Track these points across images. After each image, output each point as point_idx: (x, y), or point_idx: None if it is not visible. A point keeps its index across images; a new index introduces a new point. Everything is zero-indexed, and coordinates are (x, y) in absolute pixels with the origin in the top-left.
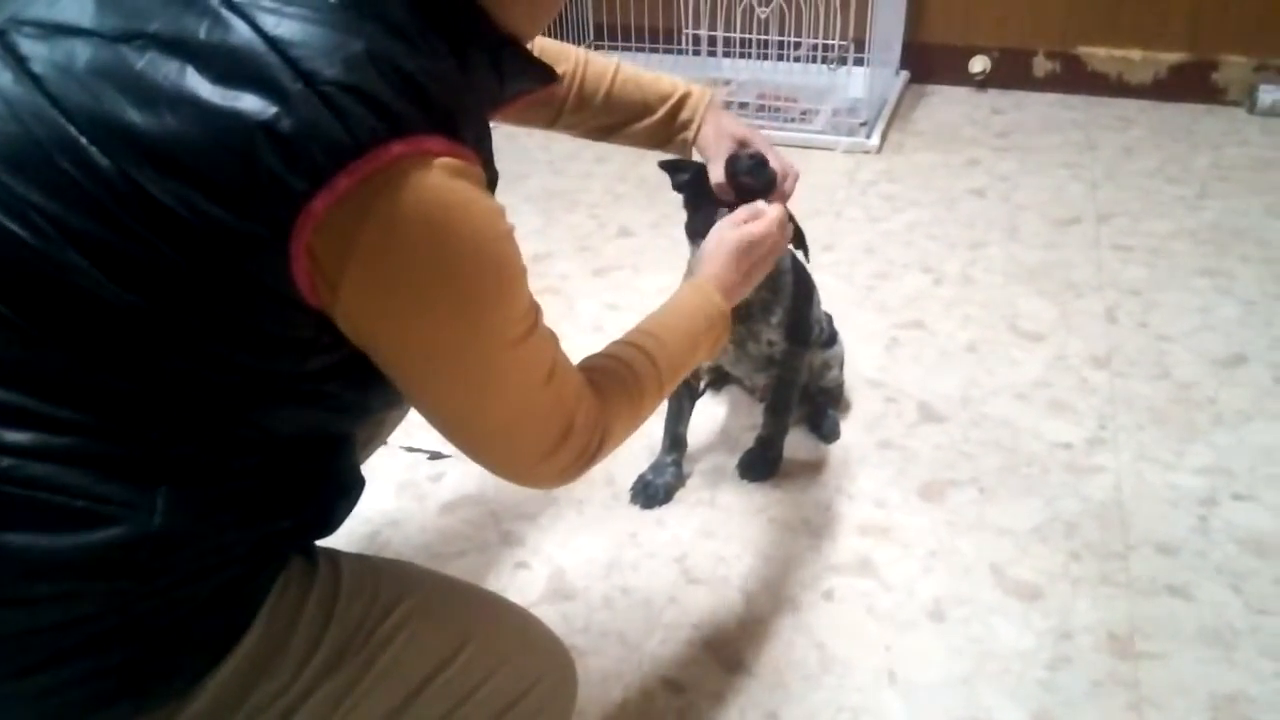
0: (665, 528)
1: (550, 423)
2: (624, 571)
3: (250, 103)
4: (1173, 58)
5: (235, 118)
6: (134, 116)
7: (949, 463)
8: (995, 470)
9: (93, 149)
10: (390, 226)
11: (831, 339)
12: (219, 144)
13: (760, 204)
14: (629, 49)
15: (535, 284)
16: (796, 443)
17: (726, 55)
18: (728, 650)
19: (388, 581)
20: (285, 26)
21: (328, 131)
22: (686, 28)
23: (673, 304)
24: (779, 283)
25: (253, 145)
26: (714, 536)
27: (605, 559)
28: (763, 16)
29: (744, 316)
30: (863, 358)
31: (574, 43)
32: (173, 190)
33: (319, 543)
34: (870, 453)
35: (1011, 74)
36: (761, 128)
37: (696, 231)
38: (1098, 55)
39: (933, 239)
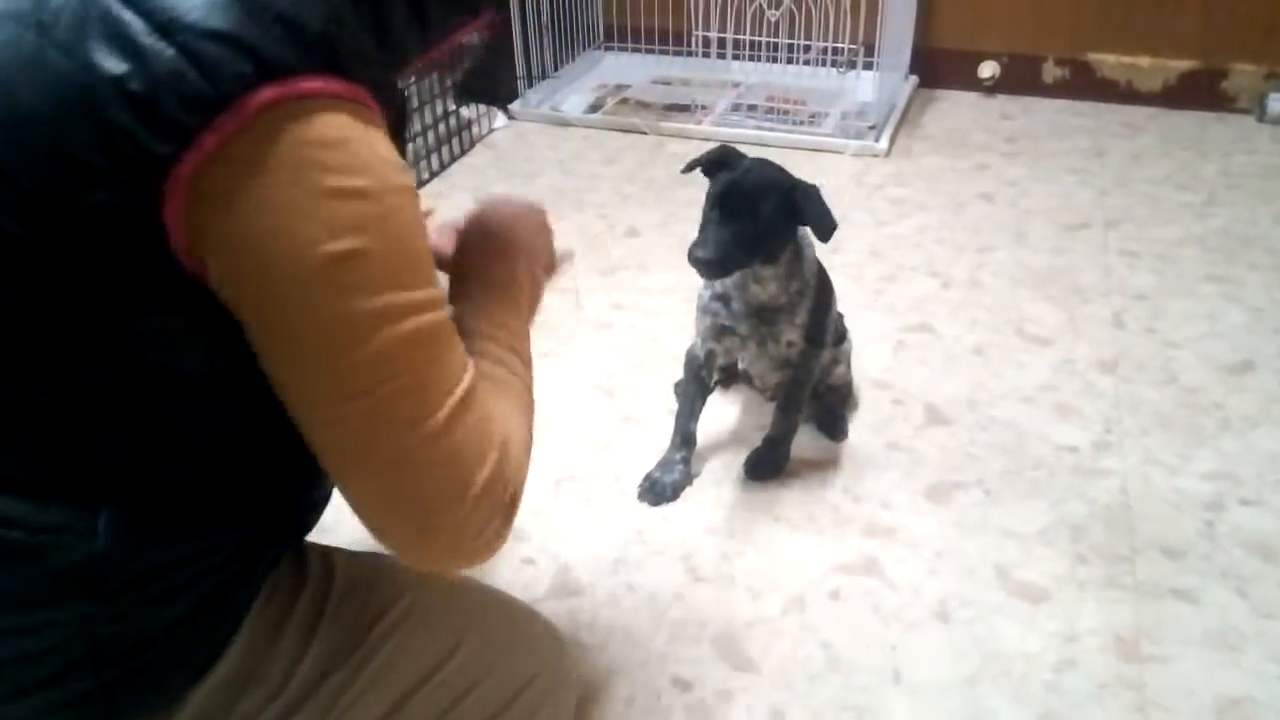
0: (672, 525)
1: (453, 461)
2: (630, 568)
3: (102, 63)
4: (1183, 65)
5: (87, 82)
6: None
7: (955, 465)
8: (1001, 473)
9: None
10: (267, 182)
11: (841, 336)
12: (74, 113)
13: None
14: (638, 50)
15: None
16: (804, 442)
17: (736, 58)
18: (734, 648)
19: (382, 583)
20: None
21: (189, 85)
22: (696, 30)
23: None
24: (807, 283)
25: (108, 109)
26: (720, 534)
27: (612, 555)
28: (773, 19)
29: (768, 318)
30: (870, 359)
31: (584, 46)
32: (35, 172)
33: (317, 540)
34: (877, 454)
35: (1021, 79)
36: (770, 130)
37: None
38: (1107, 62)
39: (940, 243)
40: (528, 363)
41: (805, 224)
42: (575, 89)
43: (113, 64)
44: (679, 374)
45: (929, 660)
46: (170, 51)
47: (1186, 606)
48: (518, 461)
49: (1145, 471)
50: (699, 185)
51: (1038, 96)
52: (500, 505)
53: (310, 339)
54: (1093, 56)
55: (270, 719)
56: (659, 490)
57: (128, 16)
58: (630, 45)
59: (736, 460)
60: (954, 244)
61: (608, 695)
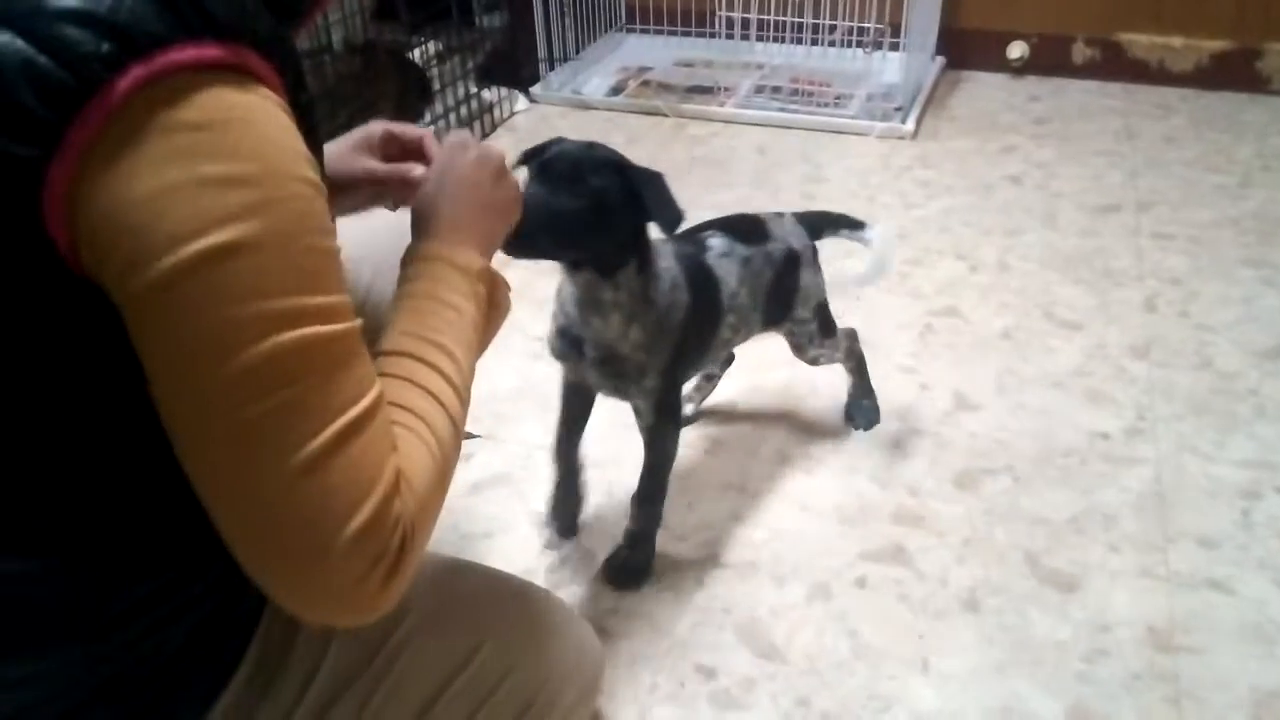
0: (695, 512)
1: (333, 493)
2: None
3: None
4: (1215, 45)
5: None
6: None
7: (984, 451)
8: (1031, 459)
9: None
10: (137, 173)
11: (829, 327)
12: None
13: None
14: (661, 32)
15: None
16: (827, 429)
17: (760, 39)
18: (759, 635)
19: None
20: None
21: (44, 75)
22: (720, 10)
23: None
24: (660, 326)
25: None
26: (743, 521)
27: None
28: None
29: (613, 369)
30: (896, 345)
31: (605, 28)
32: None
33: None
34: (903, 440)
35: (1050, 60)
36: (794, 113)
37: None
38: (1139, 42)
39: (968, 225)
40: (458, 374)
41: (645, 210)
42: (597, 71)
43: None
44: None
45: (957, 649)
46: (18, 43)
47: (1222, 597)
48: (418, 502)
49: (1179, 459)
50: (719, 167)
51: (1067, 78)
52: (384, 553)
53: (176, 348)
54: (1123, 36)
55: None
56: (553, 529)
57: None
58: (652, 27)
59: (759, 447)
60: (982, 227)
61: (631, 682)
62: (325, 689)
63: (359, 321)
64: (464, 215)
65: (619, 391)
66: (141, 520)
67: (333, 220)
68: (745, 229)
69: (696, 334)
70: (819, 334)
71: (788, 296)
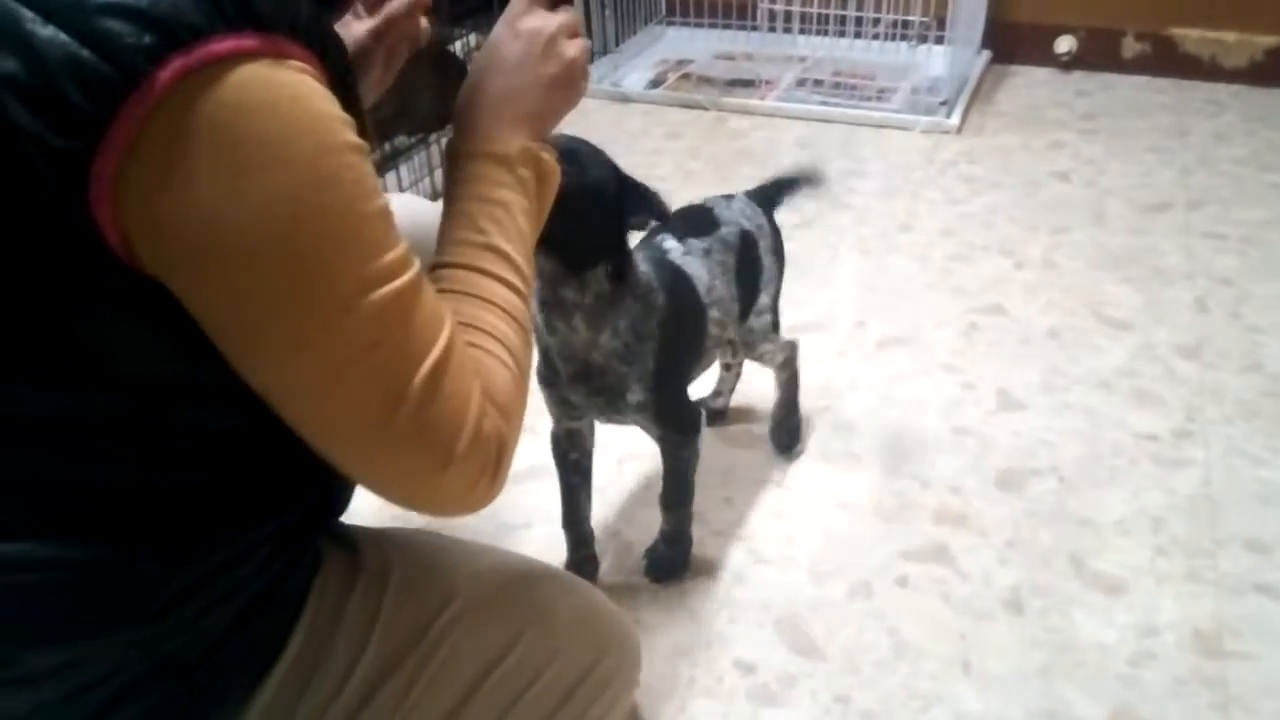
0: (733, 507)
1: (433, 430)
2: (692, 549)
3: None
4: (1270, 41)
5: None
6: None
7: (1029, 451)
8: (1077, 460)
9: None
10: (188, 163)
11: (778, 324)
12: None
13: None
14: (701, 25)
15: None
16: (868, 425)
17: (803, 32)
18: (798, 631)
19: (438, 576)
20: None
21: (87, 69)
22: (762, 2)
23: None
24: (638, 333)
25: (5, 113)
26: (783, 517)
27: None
28: None
29: (596, 384)
30: (938, 342)
31: (645, 20)
32: None
33: (370, 525)
34: (946, 439)
35: (1099, 55)
36: (836, 106)
37: None
38: (1190, 37)
39: (1014, 222)
40: (513, 273)
41: (631, 209)
42: (637, 64)
43: (2, 63)
44: None
45: (1000, 650)
46: (61, 36)
47: (1272, 603)
48: (503, 413)
49: (1229, 462)
50: (761, 162)
51: (1116, 73)
52: (486, 463)
53: (261, 332)
54: (1175, 31)
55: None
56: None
57: (12, 6)
58: (693, 20)
59: (801, 443)
60: (1028, 224)
61: (670, 675)
62: (370, 672)
63: (418, 262)
64: (504, 96)
65: (610, 411)
66: (199, 504)
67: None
68: (693, 221)
69: (681, 336)
70: (772, 328)
71: (754, 279)
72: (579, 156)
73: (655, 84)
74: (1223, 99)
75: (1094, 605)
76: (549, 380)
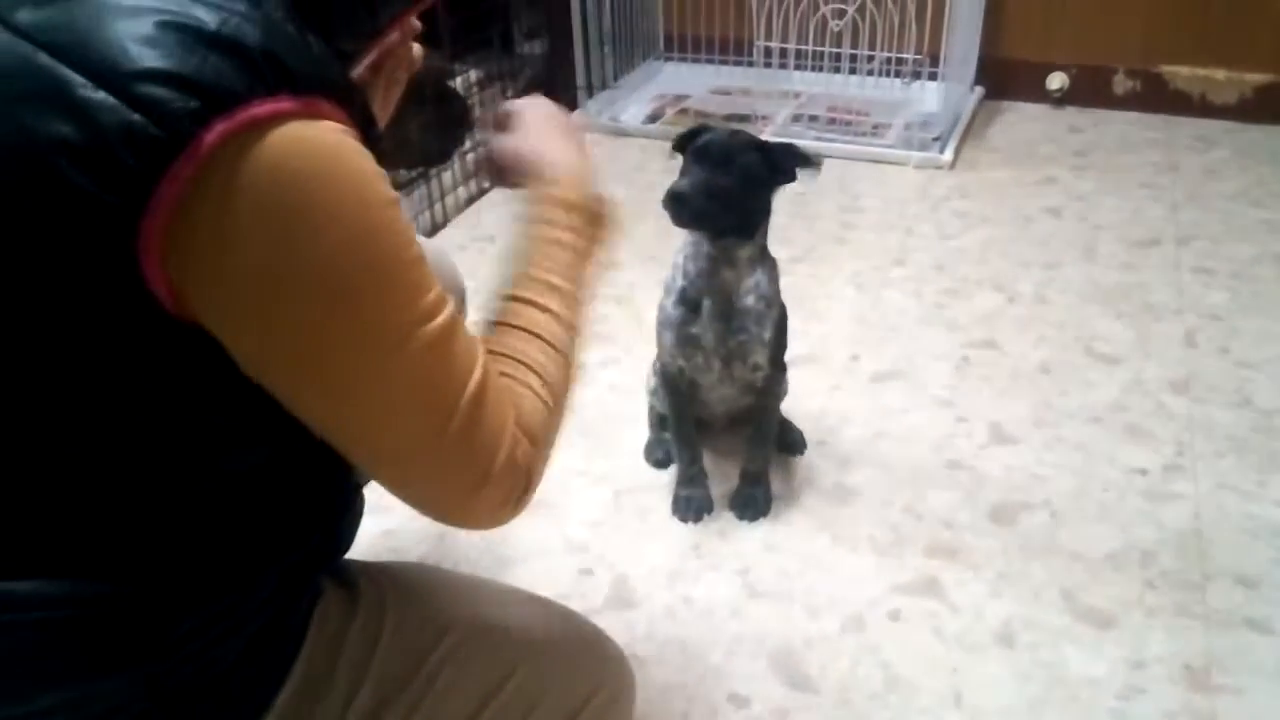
0: (728, 541)
1: (463, 448)
2: (687, 582)
3: (43, 126)
4: (1259, 78)
5: (29, 148)
6: None
7: (1020, 485)
8: (1068, 494)
9: None
10: (232, 219)
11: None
12: (25, 184)
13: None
14: (698, 60)
15: (605, 292)
16: (862, 460)
17: (798, 68)
18: (791, 665)
19: (435, 608)
20: (70, 30)
21: (137, 132)
22: (758, 39)
23: (535, 249)
24: (775, 293)
25: (56, 173)
26: (777, 551)
27: (668, 568)
28: (836, 29)
29: (736, 325)
30: (932, 376)
31: (643, 56)
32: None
33: (370, 558)
34: (939, 473)
35: (1090, 92)
36: (831, 141)
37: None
38: (1180, 74)
39: (1006, 257)
40: (563, 306)
41: (785, 174)
42: (635, 99)
43: (56, 126)
44: None
45: (991, 684)
46: (112, 101)
47: (1261, 637)
48: (534, 443)
49: (1218, 497)
50: None
51: (1108, 109)
52: (516, 484)
53: (314, 370)
54: (1165, 68)
55: None
56: (694, 507)
57: (64, 73)
58: (690, 55)
59: (790, 477)
60: (1020, 259)
61: (664, 710)
62: (369, 704)
63: (451, 300)
64: (550, 153)
65: (738, 352)
66: (215, 544)
67: None
68: None
69: (785, 316)
70: None
71: None
72: (724, 150)
73: (653, 118)
74: (1213, 135)
75: (1084, 639)
76: (684, 320)
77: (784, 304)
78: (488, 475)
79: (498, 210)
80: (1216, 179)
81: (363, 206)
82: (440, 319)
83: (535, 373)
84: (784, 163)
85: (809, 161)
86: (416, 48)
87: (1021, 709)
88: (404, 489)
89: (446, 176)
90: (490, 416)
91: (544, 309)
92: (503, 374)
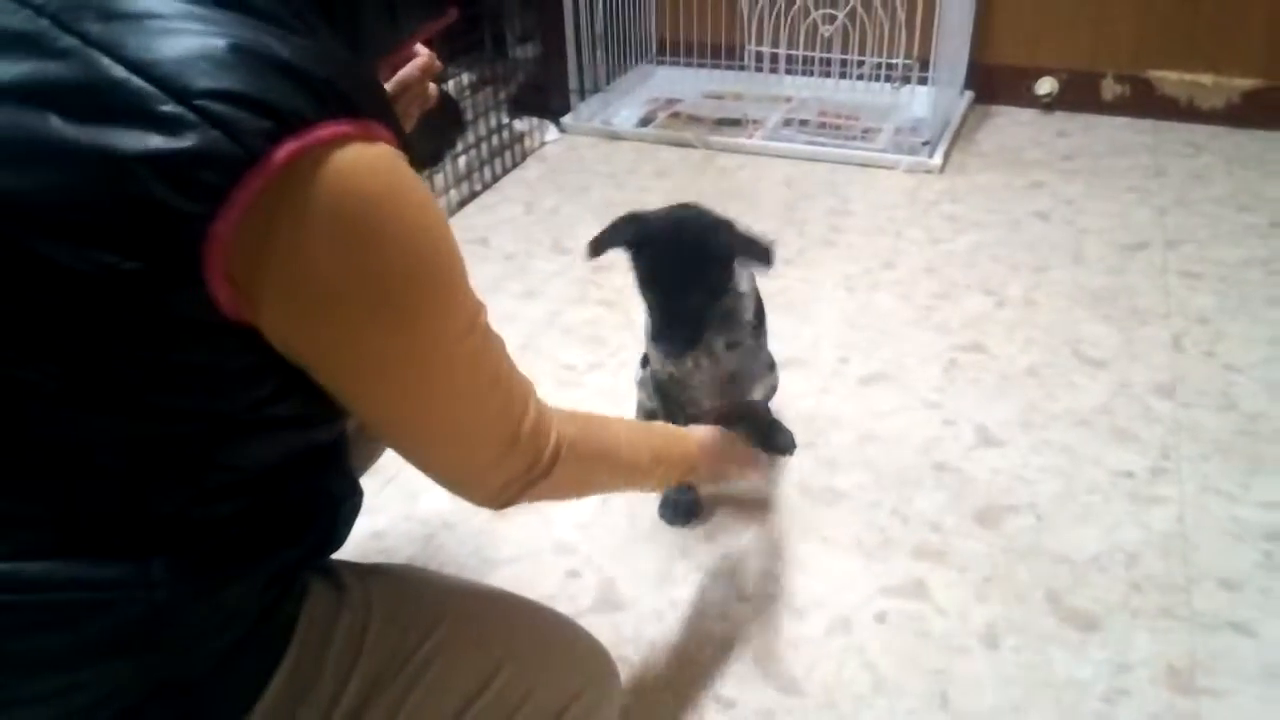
0: (716, 543)
1: (497, 427)
2: (674, 584)
3: (124, 137)
4: (1247, 83)
5: (112, 157)
6: (6, 180)
7: (1007, 488)
8: (1054, 497)
9: None
10: (301, 232)
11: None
12: (101, 188)
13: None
14: (690, 64)
15: (594, 295)
16: (850, 463)
17: (789, 72)
18: (778, 668)
19: (422, 606)
20: (143, 45)
21: (212, 147)
22: (749, 44)
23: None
24: (741, 293)
25: (137, 181)
26: (765, 554)
27: (655, 571)
28: (826, 34)
29: (732, 374)
30: (920, 379)
31: (635, 60)
32: (67, 249)
33: (359, 559)
34: (926, 475)
35: (1079, 96)
36: (821, 146)
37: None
38: (1169, 79)
39: (995, 261)
40: (640, 454)
41: (743, 256)
42: (627, 102)
43: (135, 138)
44: None
45: (977, 686)
46: (192, 116)
47: (1244, 640)
48: (573, 451)
49: (1203, 499)
50: (746, 199)
51: (1096, 114)
52: (533, 466)
53: (383, 368)
54: (1153, 74)
55: None
56: (683, 510)
57: (140, 86)
58: (682, 59)
59: (779, 478)
60: (1009, 262)
61: (651, 712)
62: (355, 700)
63: (482, 304)
64: (708, 449)
65: (728, 386)
66: (222, 536)
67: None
68: None
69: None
70: None
71: None
72: (697, 229)
73: (645, 122)
74: (1200, 140)
75: (1069, 641)
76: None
77: (761, 305)
78: (515, 441)
79: (489, 213)
80: (1204, 183)
81: (423, 229)
82: (484, 312)
83: (612, 447)
84: (742, 252)
85: (762, 250)
86: (432, 88)
87: (1006, 711)
88: (429, 465)
89: (439, 179)
90: (517, 385)
91: (640, 445)
92: (589, 416)
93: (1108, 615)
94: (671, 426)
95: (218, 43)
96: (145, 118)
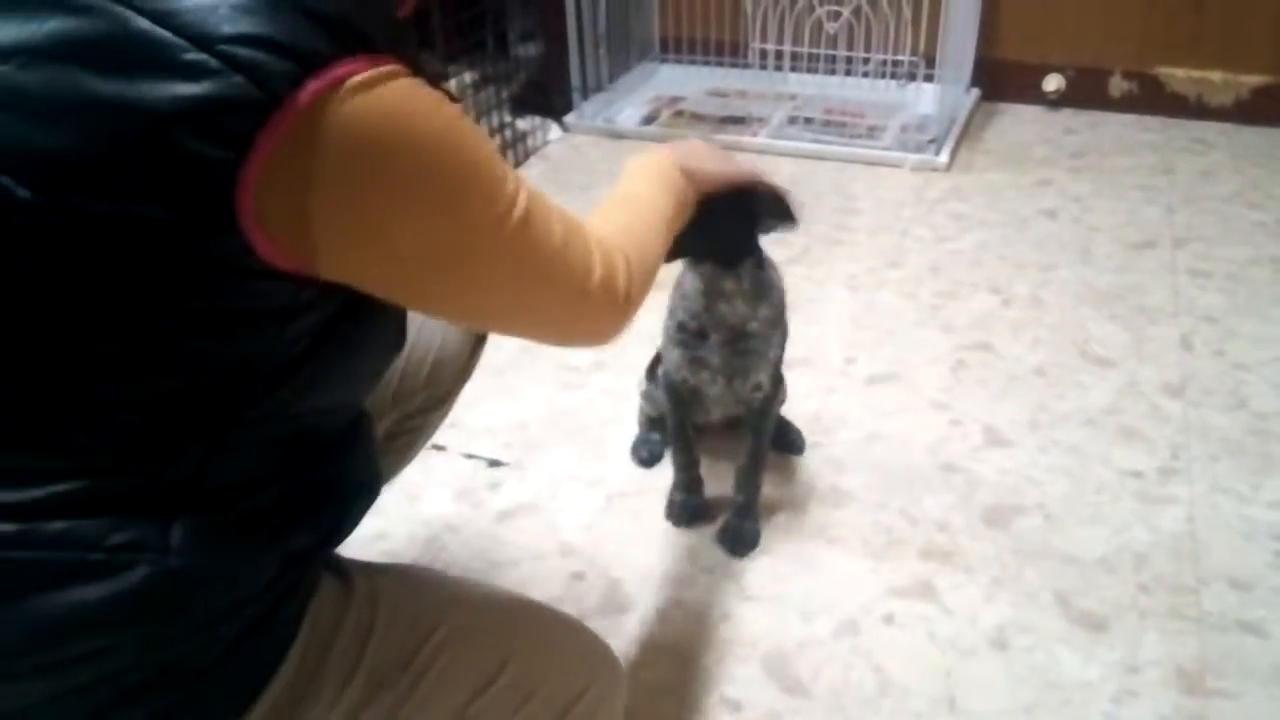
0: (720, 543)
1: (565, 290)
2: (680, 585)
3: (150, 88)
4: (1255, 80)
5: (139, 109)
6: (40, 138)
7: (1015, 488)
8: (1063, 497)
9: (7, 181)
10: (335, 163)
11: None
12: (132, 141)
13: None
14: (694, 62)
15: None
16: (857, 463)
17: (793, 70)
18: (784, 669)
19: (427, 603)
20: None
21: (237, 93)
22: (753, 41)
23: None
24: (779, 312)
25: (165, 132)
26: (770, 554)
27: (660, 572)
28: (831, 31)
29: (741, 347)
30: (927, 379)
31: (639, 58)
32: (102, 201)
33: (363, 559)
34: (934, 476)
35: (1086, 93)
36: (827, 144)
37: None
38: (1177, 76)
39: (1002, 259)
40: (658, 196)
41: (759, 216)
42: (630, 101)
43: (161, 89)
44: None
45: (985, 688)
46: (215, 63)
47: (1255, 640)
48: (639, 268)
49: (1213, 499)
50: None
51: (1104, 111)
52: (618, 290)
53: (442, 280)
54: (1161, 70)
55: None
56: (689, 512)
57: (164, 35)
58: (686, 57)
59: (784, 481)
60: (1016, 261)
61: (655, 713)
62: (360, 693)
63: (517, 175)
64: (679, 150)
65: (741, 370)
66: (241, 508)
67: None
68: None
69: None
70: None
71: None
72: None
73: (648, 120)
74: (1209, 137)
75: (1078, 642)
76: (690, 344)
77: (787, 324)
78: (585, 291)
79: None
80: (1212, 181)
81: (443, 121)
82: (525, 191)
83: (636, 237)
84: (759, 208)
85: (786, 214)
86: None
87: (1015, 712)
88: (525, 336)
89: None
90: (574, 244)
91: (636, 196)
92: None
93: (1117, 616)
94: (640, 168)
95: None
96: (170, 67)
